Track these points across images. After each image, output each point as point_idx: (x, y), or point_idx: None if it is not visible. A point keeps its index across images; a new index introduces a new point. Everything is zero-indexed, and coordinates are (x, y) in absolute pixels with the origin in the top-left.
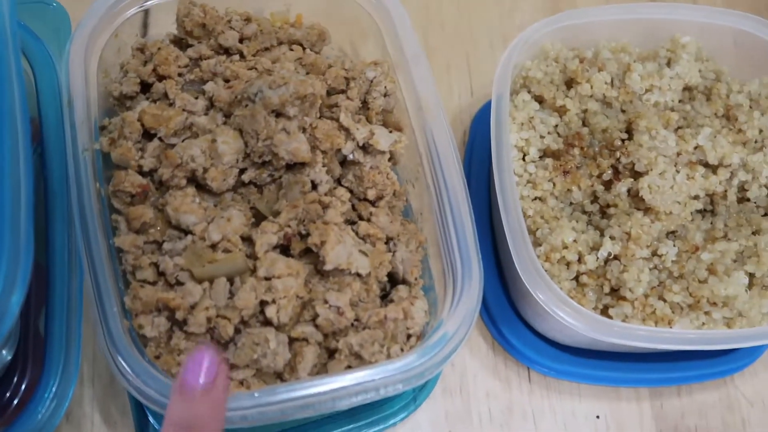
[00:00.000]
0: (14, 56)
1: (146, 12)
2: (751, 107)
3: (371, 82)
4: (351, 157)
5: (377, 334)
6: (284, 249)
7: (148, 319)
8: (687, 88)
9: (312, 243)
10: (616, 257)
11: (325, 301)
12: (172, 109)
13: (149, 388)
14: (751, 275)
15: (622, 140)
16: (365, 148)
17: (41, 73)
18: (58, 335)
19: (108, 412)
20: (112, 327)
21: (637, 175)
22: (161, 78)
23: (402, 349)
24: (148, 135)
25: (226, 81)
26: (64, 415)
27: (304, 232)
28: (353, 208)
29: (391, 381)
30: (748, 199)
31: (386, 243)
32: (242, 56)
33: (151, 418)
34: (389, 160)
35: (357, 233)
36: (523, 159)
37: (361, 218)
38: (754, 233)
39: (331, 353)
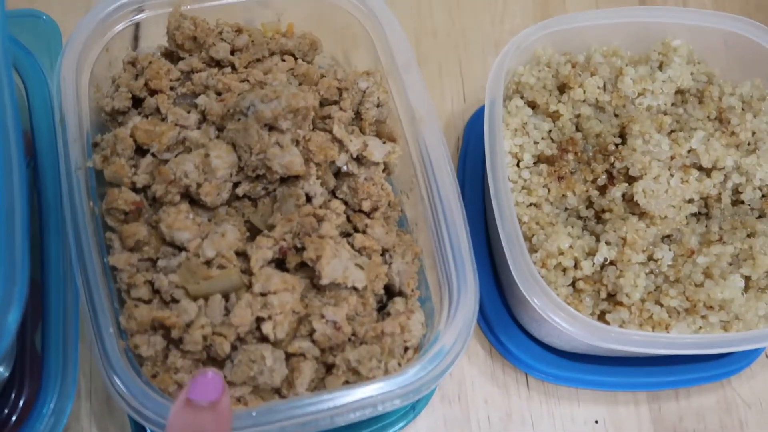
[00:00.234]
0: (5, 70)
1: (137, 25)
2: (743, 109)
3: (364, 92)
4: (345, 168)
5: (374, 349)
6: (279, 263)
7: (143, 338)
8: (679, 91)
9: (307, 257)
10: (612, 262)
11: (322, 316)
12: (164, 123)
13: (147, 409)
14: (747, 278)
15: (616, 145)
16: (359, 160)
17: (33, 87)
18: (55, 351)
19: (106, 427)
20: (108, 348)
21: (631, 179)
22: (153, 92)
23: (399, 363)
24: (140, 151)
25: (218, 94)
26: (62, 430)
27: (299, 245)
28: (348, 219)
29: (389, 397)
30: (743, 202)
31: (382, 255)
32: (234, 68)
33: None
34: (383, 170)
35: (352, 245)
36: (518, 165)
37: (356, 230)
38: (748, 236)
39: (329, 368)
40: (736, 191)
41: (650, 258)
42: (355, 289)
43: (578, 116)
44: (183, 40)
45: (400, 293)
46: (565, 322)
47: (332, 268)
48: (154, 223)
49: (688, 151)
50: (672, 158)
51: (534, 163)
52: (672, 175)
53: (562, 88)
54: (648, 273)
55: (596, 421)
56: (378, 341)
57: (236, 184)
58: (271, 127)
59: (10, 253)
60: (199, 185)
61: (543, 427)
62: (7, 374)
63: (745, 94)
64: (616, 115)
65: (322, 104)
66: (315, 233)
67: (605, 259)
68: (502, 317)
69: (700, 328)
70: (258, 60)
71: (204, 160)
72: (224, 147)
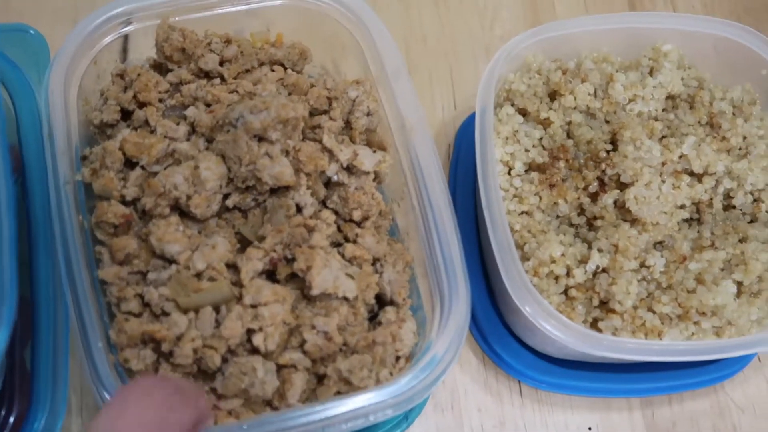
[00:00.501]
0: None
1: (125, 38)
2: (734, 114)
3: (354, 101)
4: (335, 178)
5: (366, 359)
6: (270, 274)
7: (134, 352)
8: (670, 97)
9: (298, 268)
10: (604, 270)
11: (313, 327)
12: (153, 136)
13: None
14: (739, 283)
15: (607, 151)
16: (349, 169)
17: (20, 102)
18: (45, 368)
19: None
20: (98, 362)
21: (623, 186)
22: (142, 105)
23: (391, 373)
24: (130, 164)
25: (208, 105)
26: None
27: (290, 256)
28: (339, 229)
29: (381, 407)
30: (734, 207)
31: (373, 264)
32: (223, 79)
33: None
34: (374, 179)
35: (343, 255)
36: (509, 173)
37: (347, 240)
38: (740, 241)
39: (320, 379)
40: (727, 196)
41: (642, 265)
42: (345, 299)
43: (569, 123)
44: (172, 52)
45: (392, 302)
46: (557, 330)
47: (323, 279)
48: (144, 236)
49: (680, 157)
50: (663, 164)
51: (525, 171)
52: (663, 181)
53: (553, 95)
54: (640, 280)
55: (590, 428)
56: (369, 351)
57: (226, 196)
58: (261, 138)
59: None
60: (188, 197)
61: None
62: None
63: (736, 98)
64: (607, 122)
65: (311, 114)
66: (305, 244)
67: (597, 267)
68: (495, 325)
69: (693, 334)
70: (247, 71)
71: (193, 172)
72: (214, 158)
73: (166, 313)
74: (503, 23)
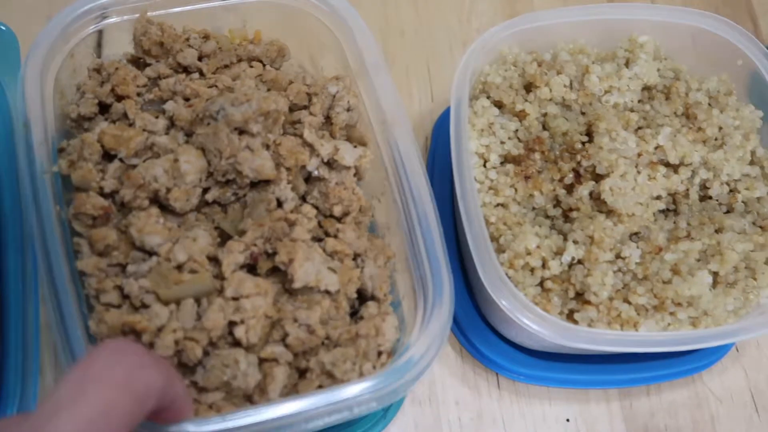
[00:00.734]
0: None
1: (100, 32)
2: (710, 105)
3: (333, 96)
4: (316, 173)
5: (349, 352)
6: (251, 268)
7: None
8: (646, 88)
9: (280, 261)
10: (580, 261)
11: (295, 320)
12: (132, 129)
13: None
14: (715, 274)
15: (583, 143)
16: (330, 164)
17: None
18: (14, 365)
19: None
20: (77, 353)
21: (598, 177)
22: (120, 98)
23: (374, 367)
24: (108, 156)
25: (186, 99)
26: None
27: (270, 250)
28: (319, 224)
29: (364, 400)
30: (710, 197)
31: (354, 259)
32: (201, 74)
33: None
34: (355, 175)
35: (324, 250)
36: (484, 165)
37: (327, 235)
38: (716, 231)
39: (302, 373)
40: (703, 187)
41: (618, 256)
42: (328, 292)
43: (545, 115)
44: (150, 46)
45: (373, 297)
46: (534, 323)
47: (305, 272)
48: (124, 228)
49: (655, 148)
50: (639, 155)
51: (501, 163)
52: (639, 173)
53: (529, 88)
54: (616, 271)
55: (567, 420)
56: (352, 344)
57: (206, 190)
58: (242, 131)
59: None
60: (168, 190)
61: (514, 427)
62: None
63: (712, 89)
64: (583, 113)
65: (291, 110)
66: (286, 238)
67: (573, 258)
68: (472, 318)
69: (669, 324)
70: (226, 66)
71: (173, 165)
72: (193, 152)
73: (146, 306)
74: (480, 16)
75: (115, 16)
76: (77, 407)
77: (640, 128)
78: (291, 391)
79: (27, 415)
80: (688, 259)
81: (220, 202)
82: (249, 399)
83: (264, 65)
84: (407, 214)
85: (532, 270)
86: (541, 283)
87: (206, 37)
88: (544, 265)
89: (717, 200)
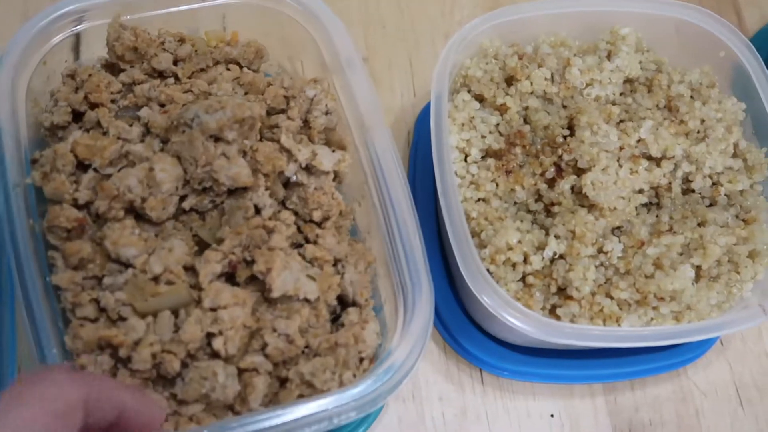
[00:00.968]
0: None
1: (77, 37)
2: (692, 97)
3: (312, 100)
4: (294, 178)
5: (328, 362)
6: (230, 276)
7: (90, 358)
8: (628, 81)
9: (257, 270)
10: (561, 256)
11: (274, 330)
12: (106, 138)
13: None
14: (698, 268)
15: (564, 137)
16: (308, 169)
17: None
18: None
19: None
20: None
21: (580, 171)
22: (93, 106)
23: (355, 375)
24: (82, 166)
25: (162, 105)
26: None
27: (249, 258)
28: (299, 230)
29: (344, 410)
30: (693, 191)
31: (334, 265)
32: (177, 79)
33: None
34: (334, 179)
35: (304, 257)
36: (465, 160)
37: (307, 241)
38: (699, 225)
39: (283, 382)
40: (686, 180)
41: (600, 250)
42: (307, 300)
43: (526, 109)
44: (123, 52)
45: (354, 303)
46: (516, 319)
47: (283, 281)
48: (99, 240)
49: (637, 141)
50: (621, 149)
51: (482, 157)
52: (621, 166)
53: (510, 81)
54: (598, 266)
55: (552, 415)
56: (332, 353)
57: (183, 198)
58: (217, 139)
59: None
60: (143, 200)
61: (498, 423)
62: None
63: (694, 81)
64: (565, 107)
65: (269, 113)
66: (265, 245)
67: (555, 253)
68: (456, 313)
69: (652, 319)
70: (202, 70)
71: (148, 174)
72: (169, 160)
73: (123, 318)
74: (462, 8)
75: (92, 19)
76: None
77: (621, 121)
78: (273, 399)
79: None
80: (671, 253)
81: (198, 209)
82: (231, 409)
83: (241, 67)
84: (386, 217)
85: (514, 265)
86: (523, 279)
87: (182, 41)
88: (525, 261)
89: (700, 193)
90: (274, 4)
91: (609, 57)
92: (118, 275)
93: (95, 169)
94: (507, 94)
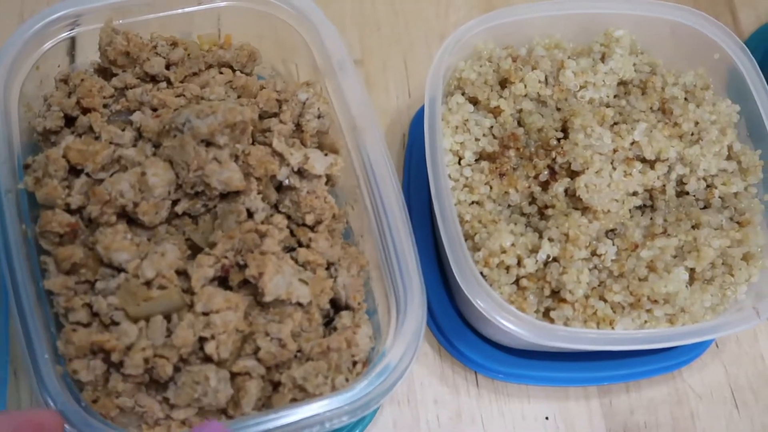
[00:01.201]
0: None
1: (72, 41)
2: (686, 99)
3: (304, 104)
4: (287, 182)
5: (321, 366)
6: (223, 280)
7: (82, 363)
8: (622, 83)
9: (250, 275)
10: (555, 259)
11: (266, 334)
12: (98, 142)
13: None
14: (692, 270)
15: (558, 139)
16: (301, 173)
17: None
18: None
19: None
20: (44, 374)
21: (573, 174)
22: (86, 110)
23: (347, 379)
24: (74, 171)
25: (154, 110)
26: None
27: (242, 262)
28: (292, 233)
29: (336, 414)
30: (687, 193)
31: (327, 269)
32: (169, 83)
33: None
34: (327, 182)
35: (296, 260)
36: (459, 163)
37: (300, 244)
38: (693, 227)
39: (275, 386)
40: (680, 182)
41: (594, 253)
42: (299, 304)
43: (520, 111)
44: (116, 56)
45: (347, 307)
46: (510, 323)
47: (275, 285)
48: (91, 245)
49: (631, 144)
50: (614, 151)
51: (475, 160)
52: (614, 169)
53: (504, 83)
54: (592, 269)
55: (547, 418)
56: (324, 357)
57: (175, 202)
58: (209, 143)
59: None
60: (135, 204)
61: (493, 426)
62: None
63: (688, 83)
64: (558, 109)
65: (261, 117)
66: (257, 249)
67: (548, 256)
68: (451, 316)
69: (646, 322)
70: (195, 74)
71: (140, 179)
72: (161, 164)
73: (115, 323)
74: (458, 11)
75: (86, 24)
76: None
77: (615, 124)
78: (266, 403)
79: None
80: (665, 255)
81: (191, 213)
82: (223, 413)
83: (234, 71)
84: (378, 221)
85: (508, 268)
86: (516, 282)
87: (174, 45)
88: (519, 263)
89: (694, 196)
90: (267, 7)
91: (603, 59)
92: (111, 280)
93: (88, 174)
94: (501, 96)
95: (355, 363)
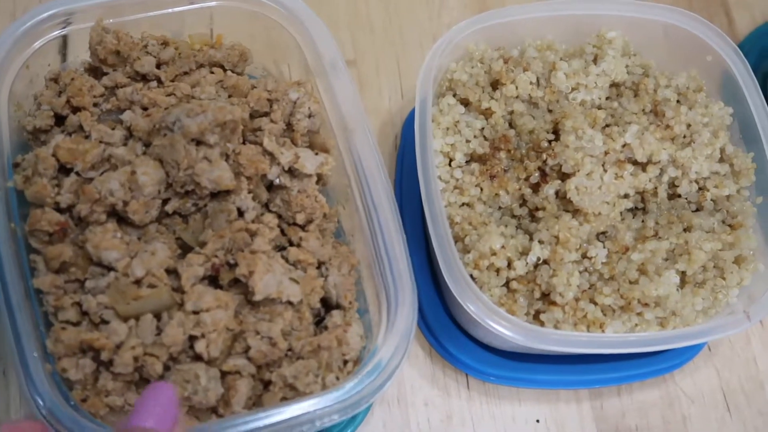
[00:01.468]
0: None
1: (64, 39)
2: (678, 101)
3: (294, 103)
4: (277, 181)
5: (311, 364)
6: (213, 279)
7: (72, 361)
8: (614, 85)
9: (240, 274)
10: (545, 261)
11: (257, 332)
12: (88, 141)
13: None
14: (683, 273)
15: (549, 141)
16: (291, 172)
17: None
18: None
19: None
20: (33, 373)
21: (564, 176)
22: (76, 109)
23: (338, 378)
24: (64, 170)
25: (144, 109)
26: None
27: (232, 261)
28: (283, 233)
29: (327, 412)
30: (679, 195)
31: (318, 267)
32: (160, 82)
33: None
34: (318, 181)
35: (287, 259)
36: (449, 164)
37: (291, 243)
38: (685, 230)
39: (266, 385)
40: (672, 185)
41: (584, 256)
42: (290, 303)
43: (511, 113)
44: (106, 55)
45: (338, 306)
46: (500, 326)
47: (265, 284)
48: (81, 244)
49: (623, 146)
50: (606, 153)
51: (466, 162)
52: (605, 171)
53: (495, 85)
54: (582, 271)
55: (537, 420)
56: (315, 356)
57: (165, 201)
58: (199, 142)
59: None
60: (125, 203)
61: (484, 428)
62: None
63: (681, 85)
64: (550, 111)
65: (252, 116)
66: (247, 248)
67: (538, 259)
68: (441, 318)
69: (636, 325)
70: (185, 73)
71: (130, 177)
72: (151, 163)
73: (105, 321)
74: (451, 12)
75: (79, 22)
76: None
77: (607, 126)
78: (256, 402)
79: None
80: (655, 258)
81: (181, 212)
82: (214, 411)
83: (225, 70)
84: (369, 220)
85: (498, 270)
86: (506, 284)
87: (165, 44)
88: (509, 266)
89: (686, 198)
90: (258, 7)
91: (595, 61)
92: (101, 278)
93: (77, 173)
94: (492, 98)
95: (346, 362)
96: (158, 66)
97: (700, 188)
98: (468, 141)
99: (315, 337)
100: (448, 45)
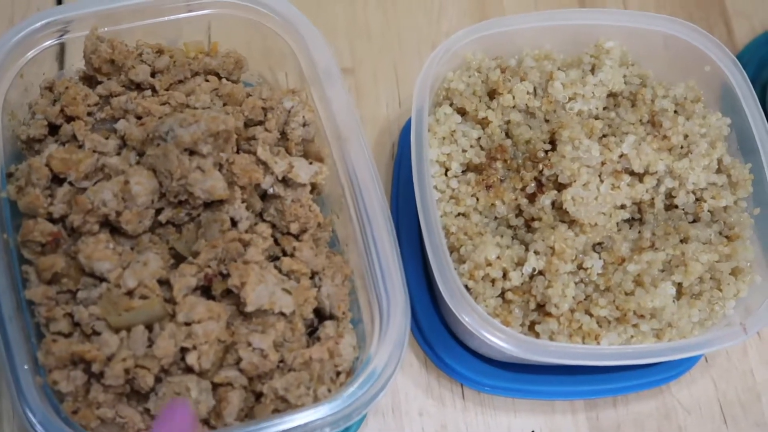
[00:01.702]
0: None
1: (62, 47)
2: (676, 112)
3: (289, 112)
4: (271, 191)
5: (303, 376)
6: (206, 290)
7: (63, 373)
8: (611, 95)
9: (232, 284)
10: (541, 272)
11: (249, 344)
12: (81, 151)
13: None
14: (679, 285)
15: (546, 151)
16: (285, 181)
17: None
18: None
19: None
20: (24, 385)
21: (561, 186)
22: (69, 119)
23: (330, 389)
24: (57, 180)
25: (139, 118)
26: None
27: (225, 271)
28: (277, 242)
29: (318, 425)
30: (676, 206)
31: (311, 278)
32: (155, 91)
33: None
34: (312, 191)
35: (280, 270)
36: (446, 174)
37: (284, 253)
38: (682, 241)
39: (258, 396)
40: (669, 196)
41: (580, 267)
42: (282, 314)
43: (508, 123)
44: (100, 64)
45: (331, 316)
46: (495, 337)
47: (257, 295)
48: (73, 254)
49: (620, 156)
50: (603, 164)
51: (462, 171)
52: (602, 182)
53: (492, 94)
54: (578, 282)
55: (533, 431)
56: (306, 368)
57: (159, 211)
58: (192, 152)
59: None
60: (118, 213)
61: None
62: None
63: (679, 95)
64: (547, 121)
65: (247, 125)
66: (240, 259)
67: (534, 269)
68: (437, 327)
69: (632, 337)
70: (180, 81)
71: (124, 187)
72: (145, 173)
73: (97, 333)
74: (450, 19)
75: (76, 30)
76: None
77: (604, 136)
78: (248, 413)
79: None
80: (652, 270)
81: (174, 222)
82: (206, 423)
83: (220, 78)
84: (363, 231)
85: (493, 281)
86: (501, 295)
87: (160, 52)
88: (504, 276)
89: (683, 209)
90: (254, 15)
91: (593, 71)
92: (93, 289)
93: (71, 183)
94: (489, 107)
95: (338, 373)
96: (153, 74)
97: (697, 199)
98: (464, 151)
99: (307, 349)
100: (445, 54)
